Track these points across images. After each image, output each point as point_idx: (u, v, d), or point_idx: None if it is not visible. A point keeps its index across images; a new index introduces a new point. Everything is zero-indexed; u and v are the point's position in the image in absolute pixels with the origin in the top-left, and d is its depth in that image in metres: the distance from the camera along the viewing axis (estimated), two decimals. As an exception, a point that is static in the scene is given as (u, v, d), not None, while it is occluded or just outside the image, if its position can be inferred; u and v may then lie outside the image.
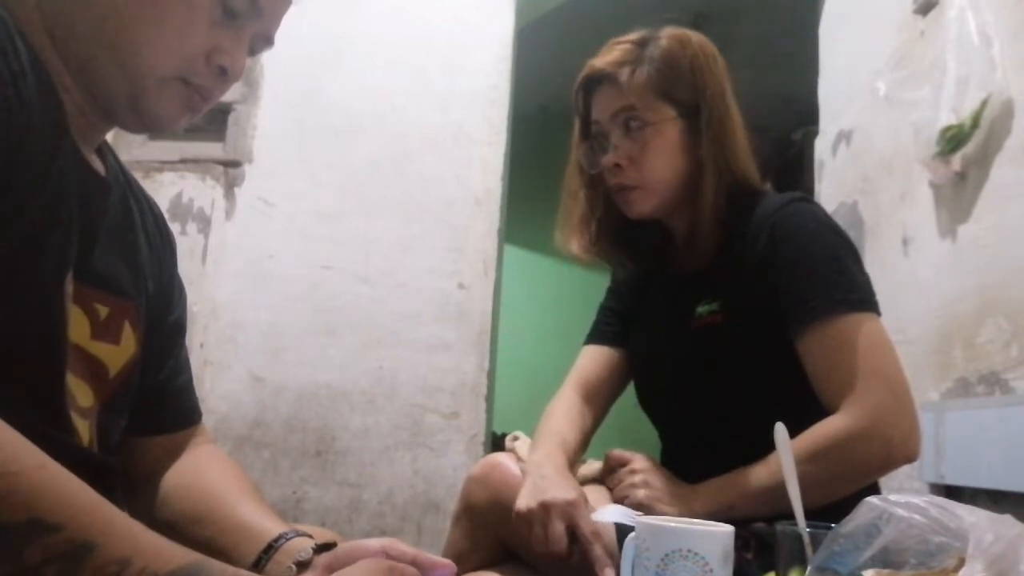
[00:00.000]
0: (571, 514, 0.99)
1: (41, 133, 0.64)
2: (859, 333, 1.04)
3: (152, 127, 0.75)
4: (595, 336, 1.34)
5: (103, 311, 0.75)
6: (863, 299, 1.06)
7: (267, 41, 0.79)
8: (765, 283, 1.09)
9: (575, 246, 1.27)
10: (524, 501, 1.03)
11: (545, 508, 1.00)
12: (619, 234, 1.27)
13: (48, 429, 0.56)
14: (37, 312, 0.66)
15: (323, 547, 0.74)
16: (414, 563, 0.70)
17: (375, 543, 0.72)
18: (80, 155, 0.71)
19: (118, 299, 0.77)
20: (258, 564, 0.74)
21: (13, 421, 0.53)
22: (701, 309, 1.15)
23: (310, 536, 0.77)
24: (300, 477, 2.31)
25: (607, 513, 1.03)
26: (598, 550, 0.97)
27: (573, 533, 0.99)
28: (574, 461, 1.18)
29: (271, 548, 0.75)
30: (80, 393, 0.73)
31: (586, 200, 1.25)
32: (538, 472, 1.06)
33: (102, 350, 0.76)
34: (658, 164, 1.15)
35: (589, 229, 1.26)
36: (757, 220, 1.12)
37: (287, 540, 0.76)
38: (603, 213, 1.25)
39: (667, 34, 1.18)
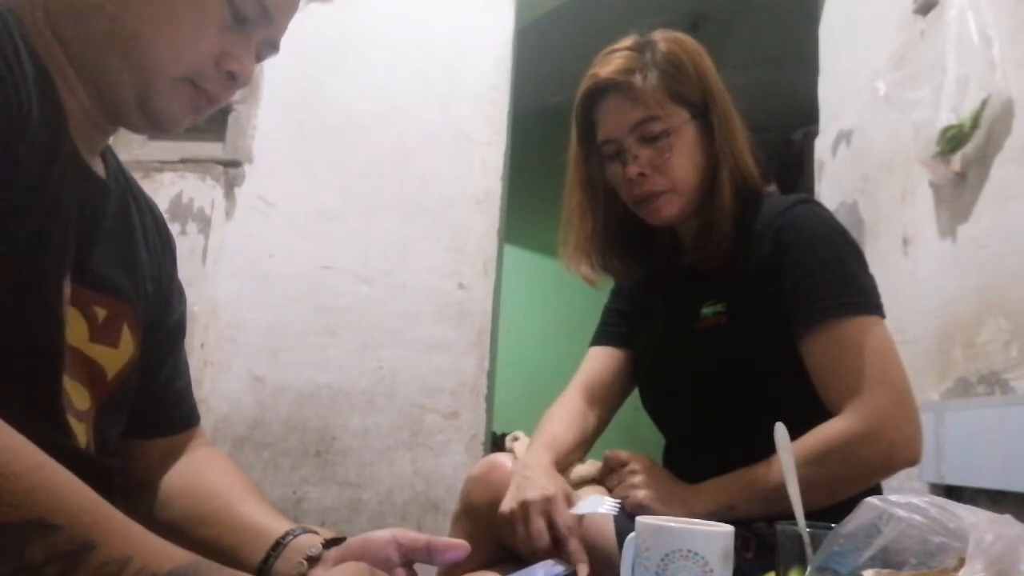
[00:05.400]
0: (549, 510, 1.00)
1: (40, 136, 0.65)
2: (863, 336, 1.04)
3: (158, 127, 0.75)
4: (600, 337, 1.34)
5: (101, 314, 0.75)
6: (868, 302, 1.06)
7: (273, 47, 0.80)
8: (770, 285, 1.09)
9: (584, 269, 1.26)
10: (507, 503, 1.05)
11: (524, 507, 1.02)
12: (629, 246, 1.26)
13: (44, 431, 0.56)
14: (35, 315, 0.66)
15: (332, 542, 0.75)
16: (427, 547, 0.72)
17: (386, 534, 0.73)
18: (80, 158, 0.72)
19: (116, 302, 0.77)
20: (267, 561, 0.75)
21: (9, 423, 0.53)
22: (705, 310, 1.15)
23: (317, 532, 0.77)
24: (300, 477, 2.31)
25: (587, 505, 1.04)
26: (573, 544, 0.99)
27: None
28: (567, 460, 1.19)
29: (280, 545, 0.76)
30: (77, 396, 0.73)
31: (593, 216, 1.24)
32: (521, 473, 1.08)
33: (100, 353, 0.76)
34: (683, 167, 1.14)
35: (597, 247, 1.25)
36: (762, 221, 1.12)
37: (295, 537, 0.77)
38: (614, 227, 1.24)
39: (661, 37, 1.17)
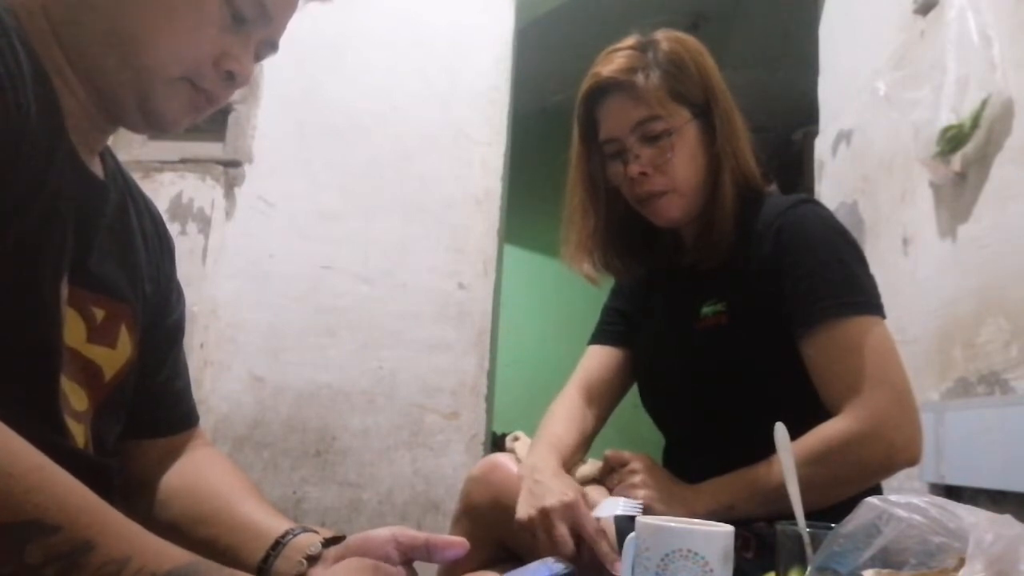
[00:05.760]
0: (572, 516, 0.99)
1: (38, 137, 0.65)
2: (863, 336, 1.04)
3: (157, 127, 0.75)
4: (599, 336, 1.34)
5: (99, 314, 0.75)
6: (868, 302, 1.06)
7: (272, 47, 0.80)
8: (770, 285, 1.09)
9: (586, 267, 1.26)
10: (523, 509, 1.03)
11: (545, 514, 1.00)
12: (630, 244, 1.26)
13: (42, 432, 0.56)
14: (32, 315, 0.66)
15: (331, 541, 0.75)
16: (426, 545, 0.72)
17: (385, 532, 0.73)
18: (78, 159, 0.72)
19: (115, 302, 0.77)
20: (267, 560, 0.75)
21: (7, 424, 0.53)
22: (705, 310, 1.15)
23: (316, 532, 0.77)
24: (300, 477, 2.31)
25: (607, 507, 1.04)
26: (605, 547, 0.98)
27: (578, 533, 0.99)
28: (572, 461, 1.18)
29: (279, 544, 0.76)
30: (75, 396, 0.73)
31: (595, 214, 1.24)
32: (532, 477, 1.07)
33: (98, 353, 0.76)
34: (684, 167, 1.14)
35: (599, 245, 1.25)
36: (763, 221, 1.12)
37: (295, 536, 0.77)
38: (615, 226, 1.24)
39: (663, 36, 1.17)
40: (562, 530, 0.99)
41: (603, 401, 1.29)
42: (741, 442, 1.03)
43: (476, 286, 2.41)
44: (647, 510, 1.02)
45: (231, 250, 2.42)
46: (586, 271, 1.27)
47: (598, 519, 1.02)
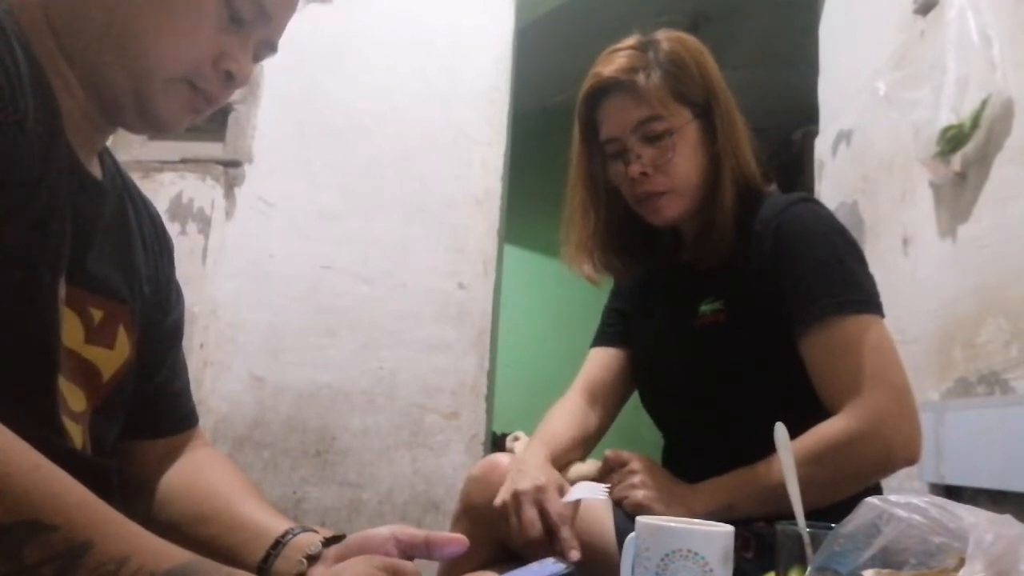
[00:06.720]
0: (540, 499, 1.00)
1: (36, 138, 0.64)
2: (862, 334, 1.04)
3: (156, 128, 0.75)
4: (601, 338, 1.34)
5: (97, 315, 0.75)
6: (867, 300, 1.06)
7: (271, 48, 0.80)
8: (769, 283, 1.09)
9: (587, 268, 1.26)
10: (500, 495, 1.05)
11: (516, 497, 1.02)
12: (630, 244, 1.26)
13: (40, 433, 0.56)
14: (29, 316, 0.66)
15: (331, 540, 0.75)
16: (426, 542, 0.72)
17: (384, 531, 0.73)
18: (76, 159, 0.72)
19: (112, 303, 0.77)
20: (267, 560, 0.75)
21: (4, 424, 0.53)
22: (704, 308, 1.15)
23: (316, 531, 0.78)
24: (300, 477, 2.30)
25: (576, 492, 1.04)
26: (565, 532, 0.99)
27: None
28: (565, 458, 1.19)
29: (279, 544, 0.76)
30: (72, 397, 0.73)
31: (595, 214, 1.24)
32: (516, 468, 1.09)
33: (96, 354, 0.76)
34: (685, 167, 1.14)
35: (599, 245, 1.25)
36: (762, 220, 1.12)
37: (295, 535, 0.77)
38: (615, 226, 1.25)
39: (664, 36, 1.17)
40: (530, 513, 1.00)
41: (607, 402, 1.30)
42: (741, 442, 1.03)
43: (476, 286, 2.41)
44: (646, 510, 1.02)
45: (231, 250, 2.42)
46: (586, 271, 1.27)
47: (575, 505, 1.03)
